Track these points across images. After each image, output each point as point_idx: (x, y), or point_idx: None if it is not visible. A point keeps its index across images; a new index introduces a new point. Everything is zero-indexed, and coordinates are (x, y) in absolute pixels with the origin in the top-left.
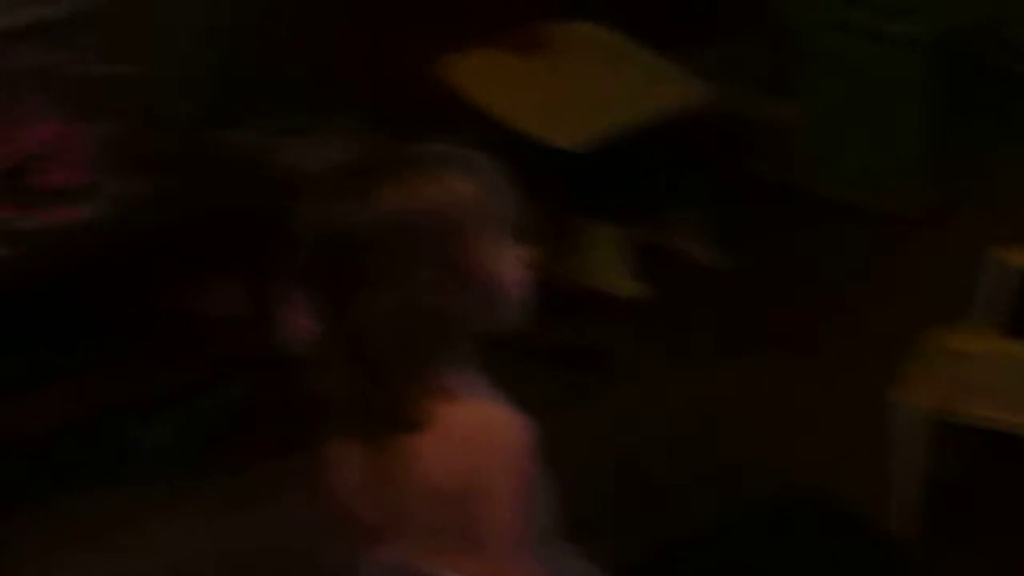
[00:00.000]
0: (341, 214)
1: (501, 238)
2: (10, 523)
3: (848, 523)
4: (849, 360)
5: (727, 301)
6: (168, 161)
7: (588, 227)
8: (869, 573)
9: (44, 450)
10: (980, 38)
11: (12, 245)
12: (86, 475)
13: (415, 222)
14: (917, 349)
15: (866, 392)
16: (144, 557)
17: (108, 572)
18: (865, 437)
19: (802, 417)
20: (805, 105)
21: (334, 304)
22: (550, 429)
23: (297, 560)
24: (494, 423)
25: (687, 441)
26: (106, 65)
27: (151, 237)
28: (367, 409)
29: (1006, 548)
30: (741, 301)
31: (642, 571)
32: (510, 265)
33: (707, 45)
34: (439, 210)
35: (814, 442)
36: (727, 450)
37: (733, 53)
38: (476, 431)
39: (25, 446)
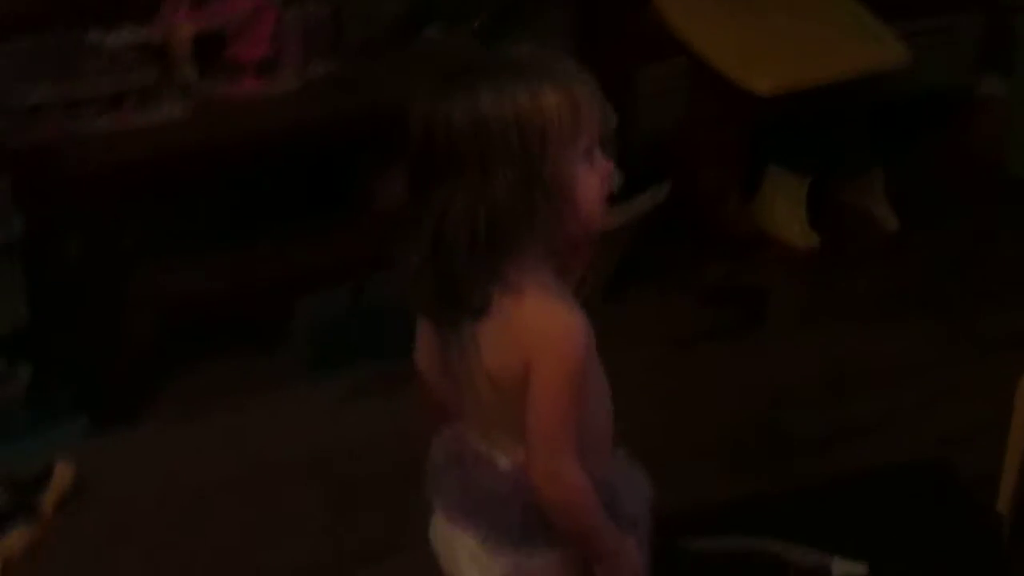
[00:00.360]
0: (441, 108)
1: (585, 151)
2: (178, 374)
3: (957, 497)
4: (1003, 339)
5: (895, 264)
6: (358, 50)
7: (774, 173)
8: (966, 547)
9: (210, 309)
10: None
11: (196, 108)
12: (252, 341)
13: (502, 124)
14: None
15: (1011, 373)
16: (287, 425)
17: (244, 440)
18: (1000, 417)
19: (942, 388)
20: (1018, 84)
21: (425, 192)
22: (696, 358)
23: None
24: (551, 320)
25: (819, 394)
26: None
27: (329, 119)
28: (439, 291)
29: None
30: (909, 267)
31: (743, 509)
32: (590, 178)
33: (925, 14)
34: (526, 116)
35: (947, 413)
36: (857, 409)
37: (950, 24)
38: (533, 325)
39: (197, 303)
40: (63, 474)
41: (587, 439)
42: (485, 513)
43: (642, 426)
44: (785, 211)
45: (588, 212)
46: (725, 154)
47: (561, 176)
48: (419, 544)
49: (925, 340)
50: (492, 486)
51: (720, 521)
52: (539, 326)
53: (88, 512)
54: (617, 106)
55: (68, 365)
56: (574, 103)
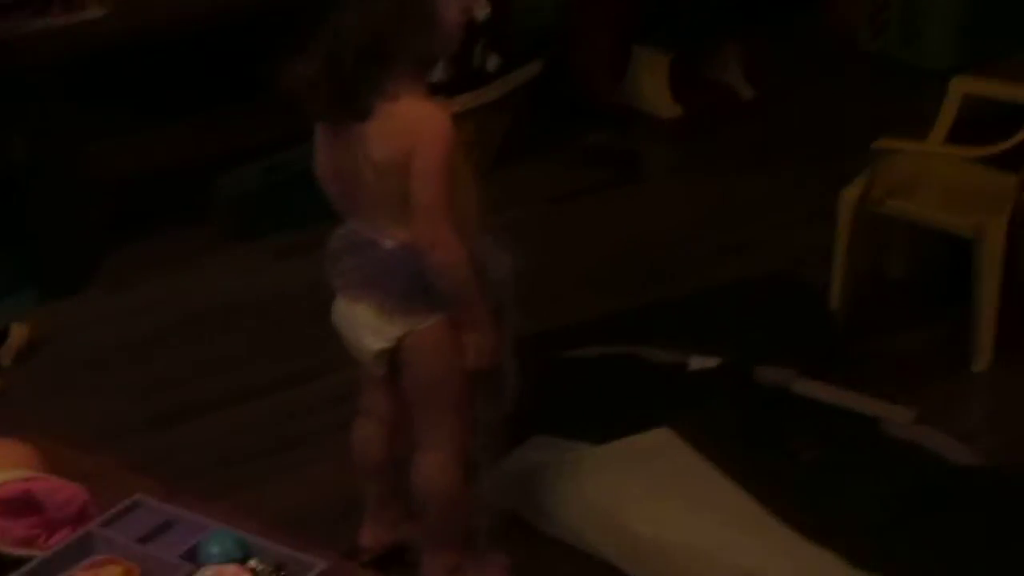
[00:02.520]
0: None
1: None
2: (116, 248)
3: (799, 299)
4: (846, 179)
5: (751, 127)
6: None
7: (639, 52)
8: (803, 335)
9: (145, 188)
10: None
11: (116, 5)
12: (177, 213)
13: None
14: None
15: None
16: (217, 284)
17: (183, 296)
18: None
19: (794, 219)
20: None
21: (319, 15)
22: (575, 210)
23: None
24: (426, 114)
25: (686, 232)
26: None
27: (237, 10)
28: (332, 97)
29: (918, 332)
30: (764, 128)
31: (615, 323)
32: (450, 7)
33: None
34: None
35: (794, 237)
36: (719, 241)
37: None
38: (409, 120)
39: (129, 184)
40: (18, 333)
41: (457, 214)
42: (378, 286)
43: (528, 267)
44: (651, 85)
45: (449, 33)
46: (594, 37)
47: (427, 2)
48: (336, 369)
49: (779, 184)
50: (381, 262)
51: (595, 334)
52: (418, 118)
53: (42, 363)
54: None
55: (18, 244)
56: None
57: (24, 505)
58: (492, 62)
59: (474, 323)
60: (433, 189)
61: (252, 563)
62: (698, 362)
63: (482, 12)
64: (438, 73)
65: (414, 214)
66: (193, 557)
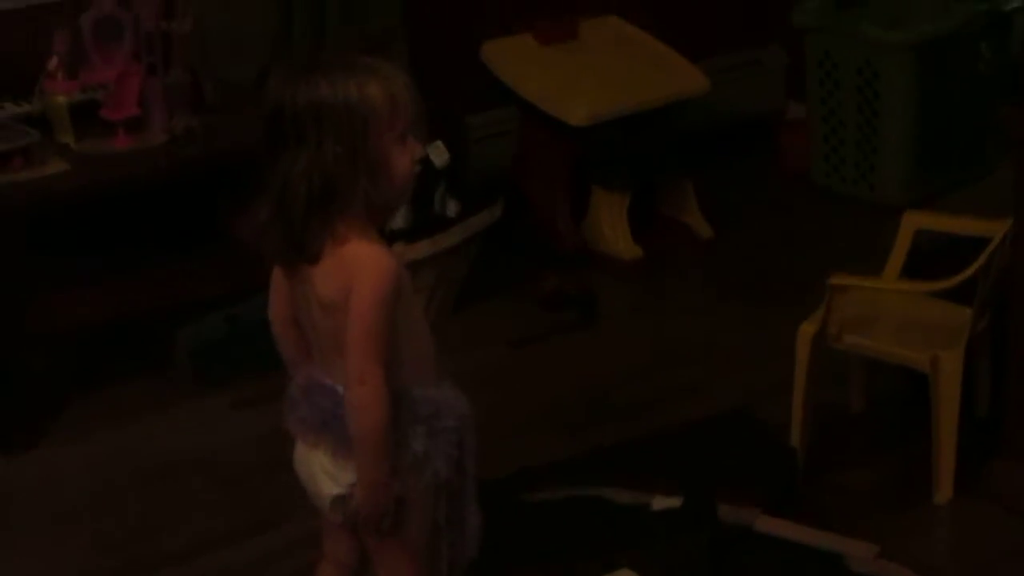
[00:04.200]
0: (287, 95)
1: (400, 134)
2: (66, 401)
3: (759, 436)
4: (804, 315)
5: (711, 266)
6: (215, 106)
7: (597, 194)
8: (766, 472)
9: (100, 340)
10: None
11: (76, 162)
12: (135, 363)
13: (334, 108)
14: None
15: None
16: (176, 434)
17: (142, 448)
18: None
19: (750, 357)
20: (812, 104)
21: (273, 160)
22: (536, 354)
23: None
24: (368, 254)
25: (643, 372)
26: (171, 22)
27: (195, 166)
28: (284, 240)
29: (878, 465)
30: (723, 266)
31: (575, 465)
32: (403, 157)
33: (735, 49)
34: (352, 103)
35: (752, 374)
36: (679, 379)
37: (758, 58)
38: (354, 258)
39: (89, 335)
40: None
41: (410, 357)
42: (331, 432)
43: (486, 408)
44: (610, 226)
45: (400, 182)
46: (553, 180)
47: (379, 152)
48: (297, 518)
49: (736, 321)
50: (335, 407)
51: (557, 476)
52: (359, 258)
53: None
54: (451, 147)
55: None
56: (393, 96)
57: None
58: (452, 207)
59: (366, 477)
60: (364, 324)
61: None
62: (661, 503)
63: (440, 159)
64: (399, 220)
65: (346, 348)
66: None
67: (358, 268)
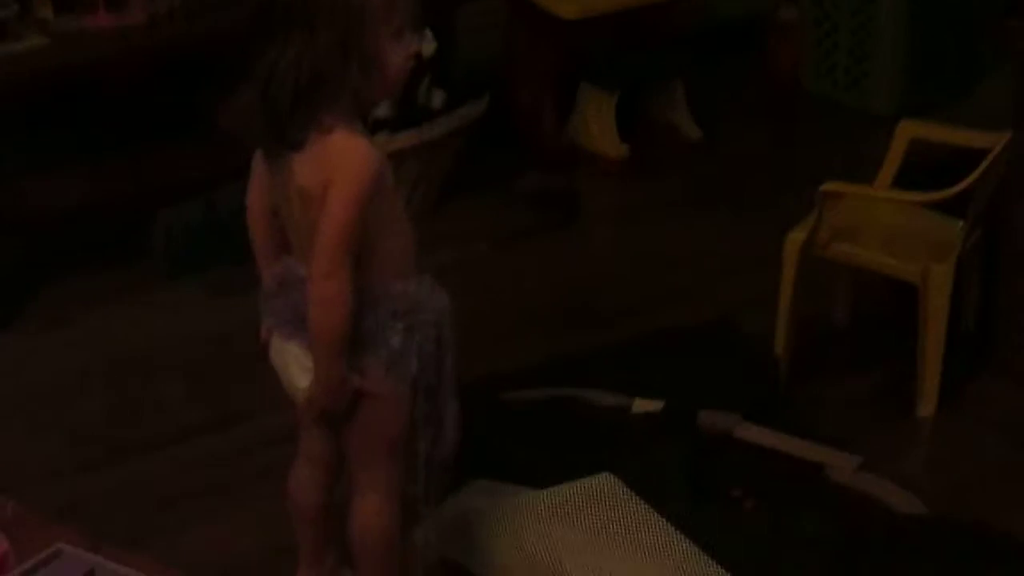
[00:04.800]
0: None
1: (396, 29)
2: (49, 285)
3: (741, 345)
4: (791, 223)
5: (698, 168)
6: None
7: (585, 91)
8: (747, 380)
9: (76, 225)
10: None
11: (54, 39)
12: (113, 249)
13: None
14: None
15: None
16: (151, 322)
17: (117, 335)
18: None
19: (738, 263)
20: (805, 7)
21: (262, 44)
22: (518, 252)
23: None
24: (350, 147)
25: (627, 276)
26: None
27: (176, 47)
28: (266, 126)
29: (861, 378)
30: (710, 170)
31: (557, 367)
32: (397, 52)
33: None
34: None
35: (742, 283)
36: (663, 284)
37: None
38: (335, 150)
39: (64, 219)
40: None
41: (389, 251)
42: (305, 324)
43: (464, 308)
44: (597, 125)
45: (392, 79)
46: (539, 75)
47: (374, 46)
48: (272, 411)
49: (723, 226)
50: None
51: (537, 378)
52: (341, 151)
53: None
54: (439, 36)
55: None
56: None
57: None
58: (437, 99)
59: (322, 372)
60: (337, 221)
61: None
62: (642, 406)
63: (428, 48)
64: (382, 109)
65: (316, 243)
66: None
67: (339, 161)
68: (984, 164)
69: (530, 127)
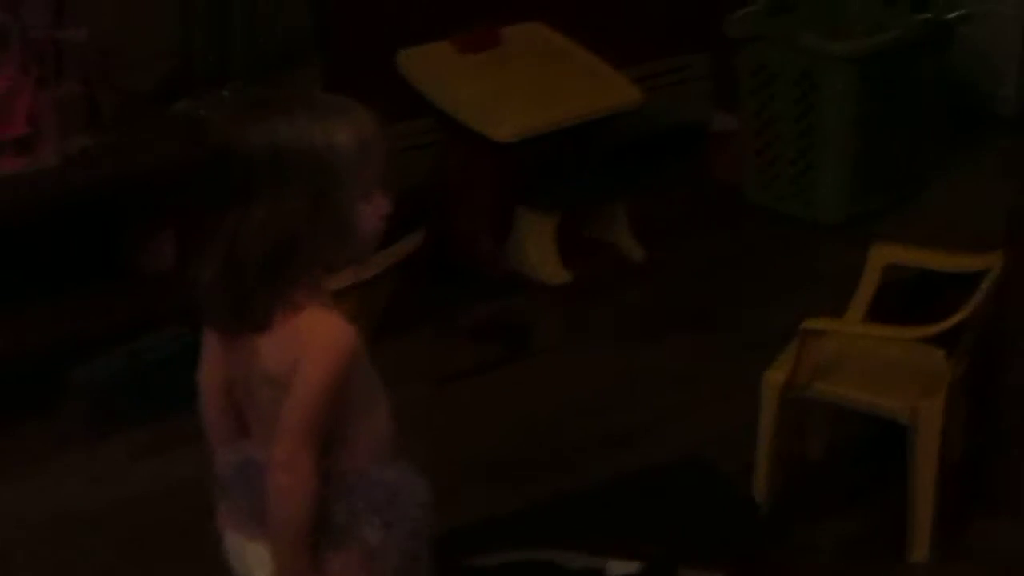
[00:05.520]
0: (238, 139)
1: (368, 186)
2: None
3: (717, 487)
4: (748, 344)
5: (645, 289)
6: (113, 123)
7: (523, 215)
8: (727, 529)
9: None
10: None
11: None
12: (24, 407)
13: (293, 157)
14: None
15: (757, 373)
16: (66, 489)
17: (30, 502)
18: (750, 414)
19: (697, 393)
20: (745, 116)
21: (219, 217)
22: (463, 392)
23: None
24: (322, 324)
25: (582, 411)
26: (63, 30)
27: (91, 190)
28: (229, 306)
29: (845, 520)
30: (657, 290)
31: (515, 522)
32: (370, 211)
33: (656, 57)
34: (315, 151)
35: (705, 415)
36: (619, 421)
37: (681, 65)
38: (306, 328)
39: None
40: None
41: (367, 434)
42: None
43: (410, 457)
44: (537, 250)
45: (365, 242)
46: (475, 200)
47: (345, 208)
48: None
49: (678, 353)
50: None
51: (497, 536)
52: (311, 329)
53: None
54: None
55: None
56: (363, 144)
57: None
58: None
59: (281, 570)
60: (304, 406)
61: None
62: (617, 568)
63: (392, 165)
64: None
65: (278, 427)
66: None
67: (310, 339)
68: (980, 294)
69: (467, 254)
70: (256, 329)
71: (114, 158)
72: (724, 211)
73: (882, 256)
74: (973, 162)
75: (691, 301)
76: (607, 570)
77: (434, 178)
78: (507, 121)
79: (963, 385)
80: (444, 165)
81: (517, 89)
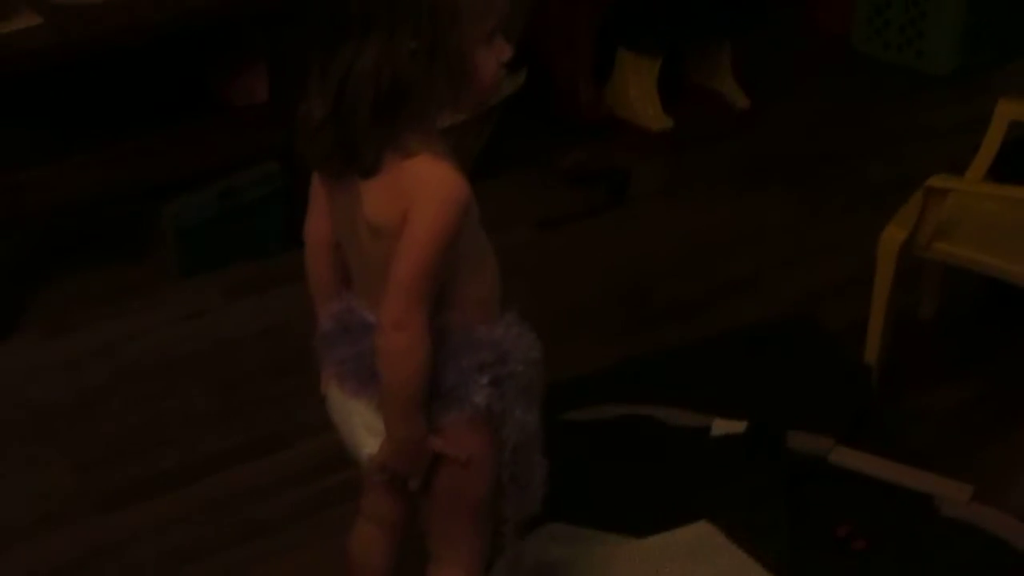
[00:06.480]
0: None
1: (489, 32)
2: (49, 288)
3: (826, 349)
4: (855, 198)
5: (748, 139)
6: None
7: (625, 58)
8: (838, 393)
9: (81, 219)
10: None
11: (49, 15)
12: (115, 246)
13: None
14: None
15: (866, 229)
16: (164, 328)
17: (124, 345)
18: (861, 272)
19: (802, 247)
20: None
21: (332, 49)
22: (563, 237)
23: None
24: (435, 174)
25: (684, 263)
26: None
27: (181, 21)
28: (337, 148)
29: (962, 383)
30: (761, 140)
31: (618, 377)
32: (490, 57)
33: None
34: None
35: (811, 270)
36: (722, 274)
37: None
38: (417, 177)
39: (63, 214)
40: None
41: (475, 292)
42: (377, 380)
43: (511, 305)
44: (638, 94)
45: (483, 89)
46: (575, 42)
47: (464, 52)
48: (306, 435)
49: (782, 204)
50: None
51: (596, 390)
52: (423, 178)
53: None
54: None
55: None
56: None
57: None
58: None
59: (395, 433)
60: (415, 263)
61: None
62: (722, 427)
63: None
64: None
65: (389, 285)
66: None
67: (420, 191)
68: None
69: (566, 97)
70: (364, 173)
71: None
72: (830, 59)
73: (1010, 112)
74: None
75: (795, 152)
76: (712, 429)
77: (534, 19)
78: None
79: None
80: (544, 5)
81: None
